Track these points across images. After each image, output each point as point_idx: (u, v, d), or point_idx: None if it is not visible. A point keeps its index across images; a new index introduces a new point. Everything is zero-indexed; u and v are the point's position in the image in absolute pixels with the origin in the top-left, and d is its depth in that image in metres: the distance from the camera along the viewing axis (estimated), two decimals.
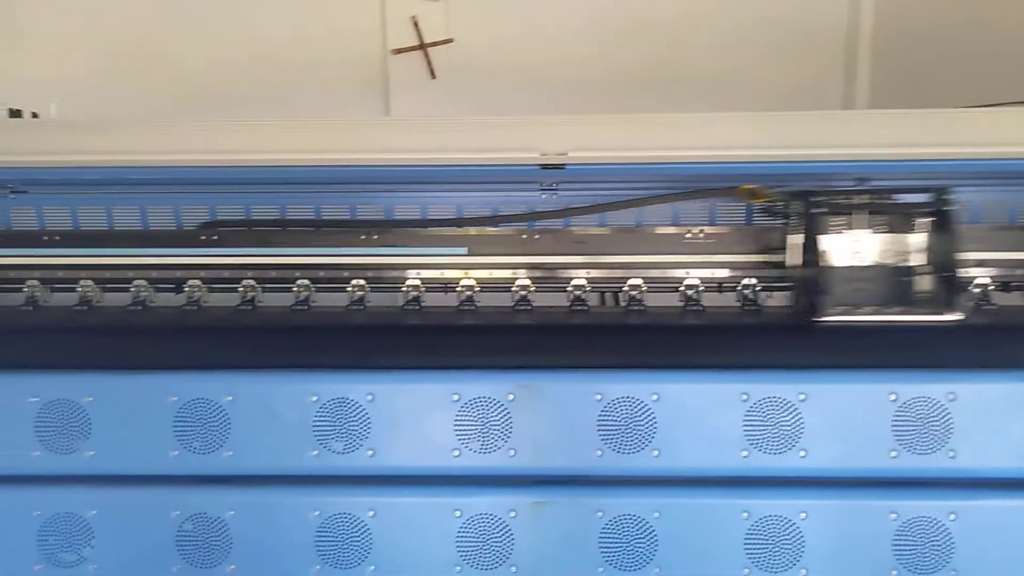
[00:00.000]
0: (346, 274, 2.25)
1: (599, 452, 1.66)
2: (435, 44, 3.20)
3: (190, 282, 2.24)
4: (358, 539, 1.70)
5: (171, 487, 1.73)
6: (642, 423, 1.65)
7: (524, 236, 2.19)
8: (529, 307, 2.16)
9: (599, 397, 1.66)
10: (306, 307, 2.19)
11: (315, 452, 1.70)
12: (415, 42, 3.18)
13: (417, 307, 2.17)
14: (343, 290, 2.24)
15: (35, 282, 2.24)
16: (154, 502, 1.73)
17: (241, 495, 1.72)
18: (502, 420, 1.68)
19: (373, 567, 1.70)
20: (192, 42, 2.87)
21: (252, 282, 2.24)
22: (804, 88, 3.46)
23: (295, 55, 3.09)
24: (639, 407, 1.65)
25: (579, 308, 2.04)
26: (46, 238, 2.25)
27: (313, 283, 2.25)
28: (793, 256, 1.89)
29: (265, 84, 3.03)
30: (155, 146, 2.04)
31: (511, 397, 1.68)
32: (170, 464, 1.72)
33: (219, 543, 1.72)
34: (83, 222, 2.46)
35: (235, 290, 2.24)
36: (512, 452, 1.68)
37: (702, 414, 1.65)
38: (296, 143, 2.06)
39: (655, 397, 1.65)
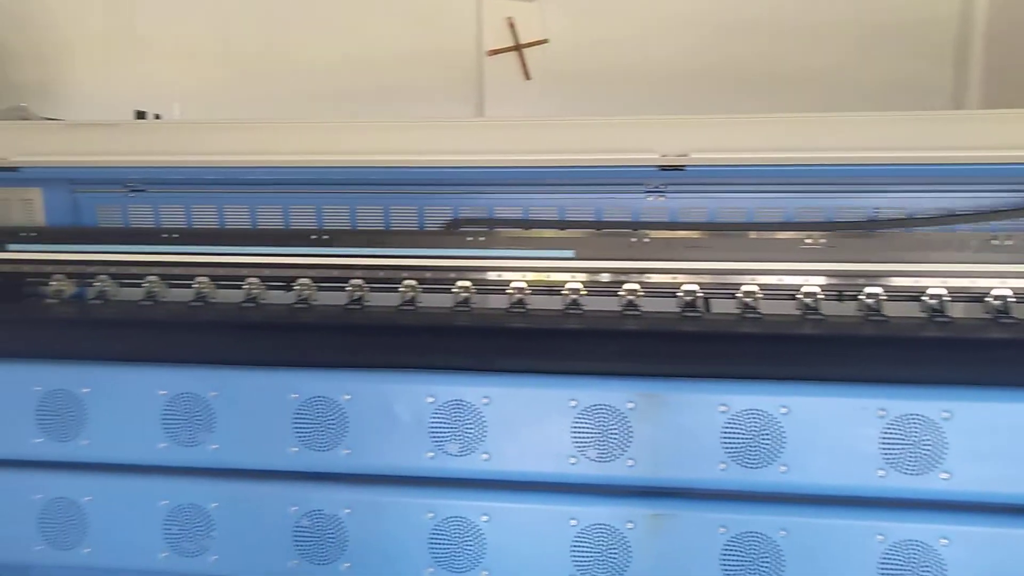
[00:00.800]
0: (452, 275, 2.26)
1: (723, 465, 1.60)
2: (530, 45, 3.18)
3: (300, 280, 2.28)
4: (472, 543, 1.69)
5: (290, 483, 1.75)
6: (769, 436, 1.59)
7: (633, 240, 2.14)
8: (638, 312, 2.12)
9: (724, 408, 1.60)
10: (412, 307, 2.20)
11: (430, 454, 1.69)
12: (510, 43, 3.17)
13: (522, 310, 2.16)
14: (447, 291, 2.25)
15: (154, 278, 2.32)
16: (273, 497, 1.75)
17: (357, 493, 1.73)
18: (621, 428, 1.64)
19: (486, 573, 1.68)
20: (299, 46, 2.94)
21: (360, 281, 2.27)
22: (909, 84, 3.29)
23: (393, 57, 3.12)
24: (767, 420, 1.58)
25: (691, 314, 1.99)
26: (164, 236, 2.32)
27: (420, 284, 2.26)
28: None
29: (364, 85, 3.07)
30: (261, 147, 2.08)
31: (631, 405, 1.63)
32: (289, 460, 1.74)
33: (335, 540, 1.73)
34: (196, 220, 2.54)
35: (343, 289, 2.27)
36: (631, 462, 1.63)
37: (834, 429, 1.57)
38: (402, 144, 2.06)
39: (784, 410, 1.58)
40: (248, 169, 2.08)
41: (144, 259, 2.31)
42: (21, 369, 1.83)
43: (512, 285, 2.19)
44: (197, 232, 2.35)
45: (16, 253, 2.35)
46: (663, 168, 1.79)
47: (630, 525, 1.64)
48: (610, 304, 2.22)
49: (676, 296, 2.07)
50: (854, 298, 1.93)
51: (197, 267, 2.29)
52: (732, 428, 1.60)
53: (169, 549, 1.78)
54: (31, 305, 2.33)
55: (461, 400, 1.68)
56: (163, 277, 2.30)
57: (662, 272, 2.15)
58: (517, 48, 3.14)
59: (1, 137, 2.04)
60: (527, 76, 3.18)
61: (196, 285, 2.28)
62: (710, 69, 3.23)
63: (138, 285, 2.31)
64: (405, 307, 2.19)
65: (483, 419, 1.68)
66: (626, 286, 2.15)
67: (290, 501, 1.74)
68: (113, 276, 2.32)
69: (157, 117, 2.24)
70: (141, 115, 2.21)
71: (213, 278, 2.28)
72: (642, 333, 1.93)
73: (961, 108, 3.30)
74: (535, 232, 2.26)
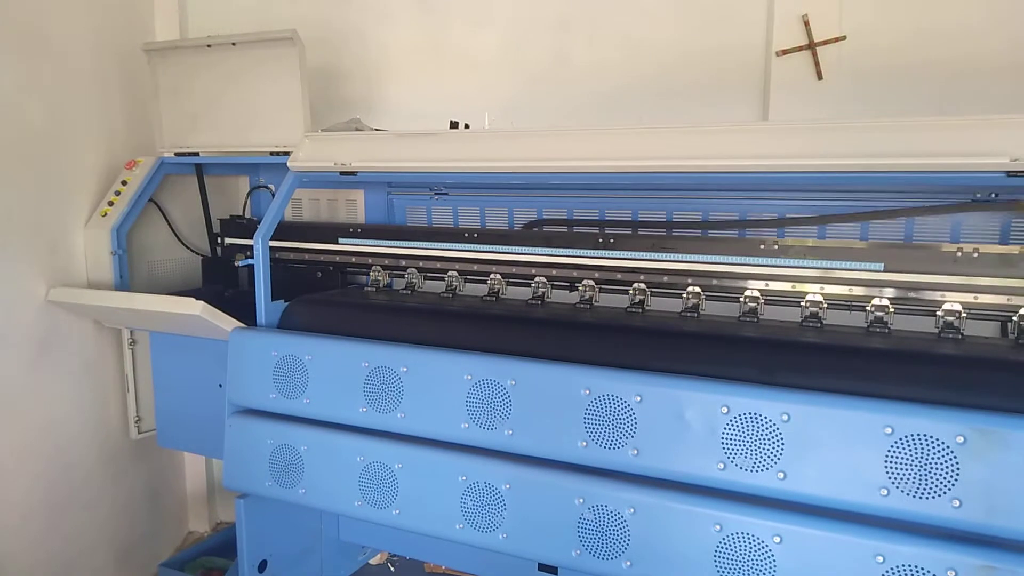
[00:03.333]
0: (739, 283, 2.19)
1: None
2: (825, 43, 2.97)
3: (584, 281, 2.36)
4: (760, 563, 1.61)
5: (578, 475, 1.82)
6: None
7: (959, 254, 1.91)
8: (959, 336, 1.89)
9: None
10: (696, 315, 2.17)
11: (721, 465, 1.65)
12: (803, 42, 2.99)
13: (818, 324, 2.03)
14: (735, 300, 2.18)
15: (454, 273, 2.55)
16: (562, 486, 1.83)
17: (644, 495, 1.74)
18: (944, 463, 1.46)
19: None
20: (584, 50, 3.05)
21: (642, 285, 2.29)
22: None
23: (679, 59, 3.10)
24: None
25: None
26: (465, 235, 2.54)
27: (704, 291, 2.22)
28: None
29: (651, 88, 3.10)
30: (551, 153, 2.14)
31: (960, 440, 1.45)
32: (578, 453, 1.80)
33: (618, 537, 1.76)
34: (489, 221, 2.75)
35: (626, 292, 2.31)
36: (956, 502, 1.45)
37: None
38: (697, 149, 2.00)
39: None
40: (539, 175, 2.18)
41: (446, 255, 2.56)
42: (348, 346, 2.10)
43: (808, 298, 2.08)
44: (489, 232, 2.54)
45: (344, 246, 2.73)
46: (1011, 174, 1.56)
47: (951, 574, 1.46)
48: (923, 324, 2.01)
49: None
50: None
51: (491, 264, 2.48)
52: None
53: (464, 522, 1.94)
54: (354, 292, 2.70)
55: (758, 414, 1.62)
56: (461, 273, 2.53)
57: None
58: (811, 47, 2.95)
59: (343, 146, 2.37)
60: (820, 76, 2.98)
61: (490, 281, 2.47)
62: None
63: (440, 279, 2.57)
64: (687, 313, 2.17)
65: (780, 436, 1.60)
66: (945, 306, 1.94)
67: (576, 493, 1.81)
68: (420, 270, 2.61)
69: (467, 126, 2.45)
70: (454, 125, 2.43)
71: (504, 276, 2.46)
72: (963, 359, 1.71)
73: None
74: (837, 242, 2.11)
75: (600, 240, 2.34)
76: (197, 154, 2.87)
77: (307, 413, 2.16)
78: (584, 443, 1.79)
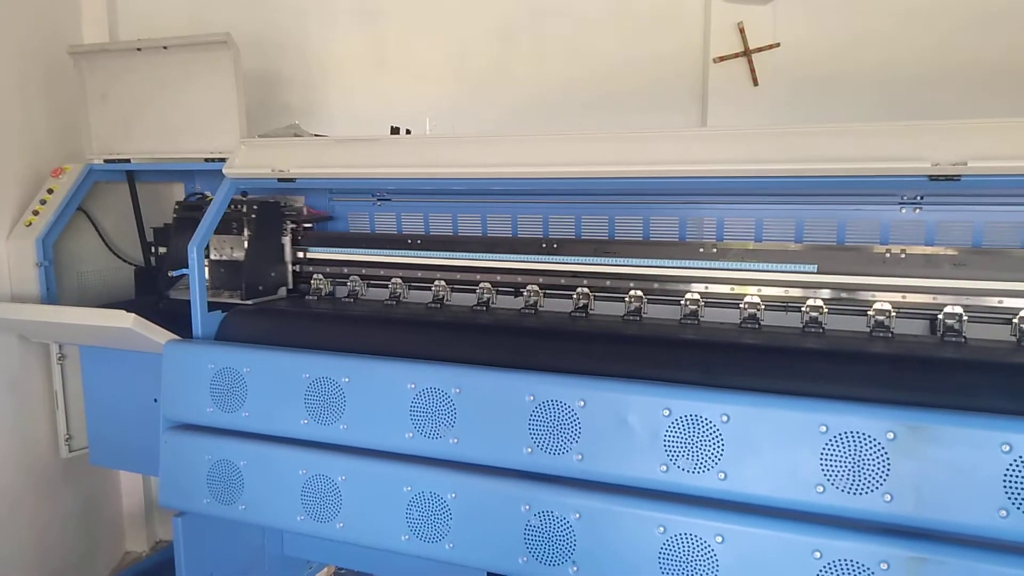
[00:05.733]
0: (680, 287, 2.22)
1: (1003, 512, 1.42)
2: (760, 50, 3.05)
3: (529, 287, 2.36)
4: (703, 564, 1.63)
5: (523, 482, 1.81)
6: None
7: (887, 255, 1.98)
8: (889, 335, 1.95)
9: (1007, 448, 1.42)
10: (638, 318, 2.19)
11: (663, 467, 1.67)
12: (739, 49, 3.06)
13: (756, 325, 2.07)
14: (676, 303, 2.21)
15: (398, 280, 2.52)
16: (507, 494, 1.82)
17: (589, 500, 1.74)
18: (878, 460, 1.51)
19: None
20: (527, 59, 3.07)
21: (585, 289, 2.30)
22: None
23: (615, 67, 3.14)
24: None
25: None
26: (409, 241, 2.52)
27: (646, 295, 2.25)
28: None
29: (587, 96, 3.13)
30: (491, 158, 2.14)
31: (890, 436, 1.50)
32: (524, 460, 1.80)
33: (563, 542, 1.76)
34: (433, 227, 2.73)
35: (570, 297, 2.32)
36: (888, 497, 1.50)
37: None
38: (631, 155, 2.03)
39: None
40: (481, 180, 2.17)
41: (389, 261, 2.53)
42: (288, 357, 2.06)
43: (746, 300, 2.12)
44: (433, 239, 2.52)
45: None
46: (933, 178, 1.62)
47: (884, 566, 1.50)
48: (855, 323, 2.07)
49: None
50: None
51: (435, 270, 2.46)
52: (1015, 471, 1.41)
53: (410, 532, 1.91)
54: (295, 301, 2.64)
55: (698, 415, 1.64)
56: (405, 280, 2.50)
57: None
58: (747, 54, 3.03)
59: (281, 153, 2.32)
60: (755, 82, 3.06)
61: (434, 288, 2.45)
62: (955, 68, 2.91)
63: (384, 286, 2.54)
64: (630, 317, 2.19)
65: (720, 438, 1.62)
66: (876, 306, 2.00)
67: (522, 500, 1.80)
68: (363, 277, 2.57)
69: (408, 132, 2.43)
70: (395, 130, 2.41)
71: (448, 282, 2.44)
72: (893, 357, 1.77)
73: None
74: (774, 244, 2.16)
75: (543, 245, 2.34)
76: (128, 161, 2.77)
77: (246, 427, 2.10)
78: (529, 449, 1.79)
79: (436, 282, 2.45)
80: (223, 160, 2.42)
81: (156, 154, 2.73)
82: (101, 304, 2.64)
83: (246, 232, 2.50)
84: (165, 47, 2.58)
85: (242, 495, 2.10)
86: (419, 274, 2.48)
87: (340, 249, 2.58)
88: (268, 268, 2.60)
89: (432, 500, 1.89)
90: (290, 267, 2.66)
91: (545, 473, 1.80)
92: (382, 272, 2.53)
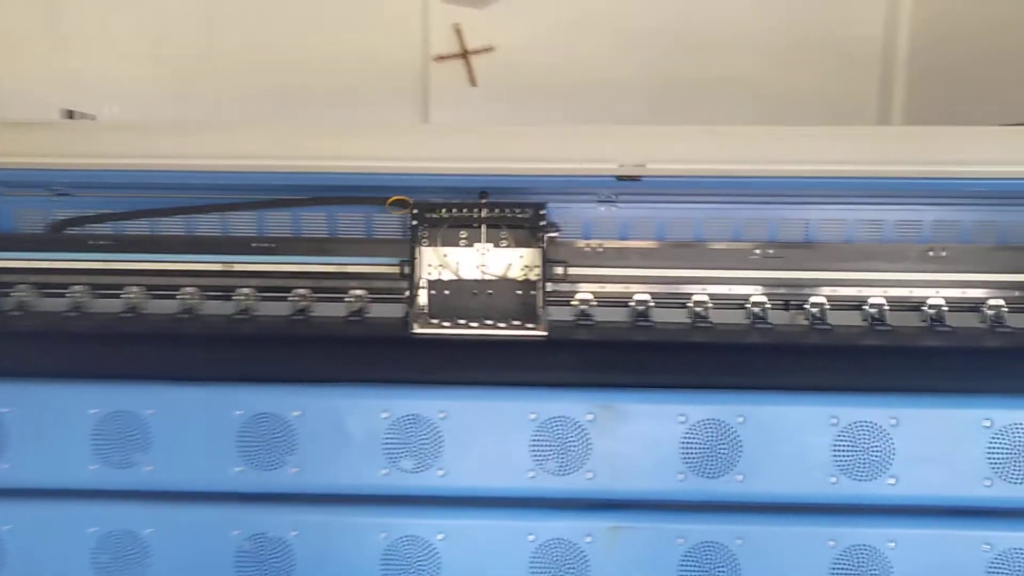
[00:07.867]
0: None
1: (681, 476, 1.60)
2: (477, 52, 3.16)
3: (241, 290, 2.18)
4: (427, 563, 1.63)
5: (232, 505, 1.66)
6: (727, 446, 1.60)
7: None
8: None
9: (683, 419, 1.60)
10: (360, 318, 2.13)
11: (384, 471, 1.63)
12: (457, 50, 3.14)
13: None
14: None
15: (80, 287, 2.17)
16: (214, 520, 1.65)
17: (306, 514, 1.65)
18: (580, 441, 1.62)
19: None
20: (238, 47, 2.83)
21: (305, 291, 2.18)
22: (838, 100, 3.43)
23: (336, 61, 3.05)
24: (724, 429, 1.60)
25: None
26: (92, 242, 2.18)
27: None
28: None
29: (305, 88, 2.99)
30: (199, 150, 1.98)
31: (590, 417, 1.62)
32: (232, 480, 1.65)
33: (280, 565, 1.65)
34: (128, 227, 2.40)
35: (286, 299, 2.18)
36: (590, 475, 1.61)
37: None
38: (347, 150, 1.99)
39: (740, 419, 1.60)
40: (184, 173, 1.97)
41: (70, 267, 2.17)
42: None
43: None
44: (129, 239, 2.22)
45: None
46: (620, 178, 1.78)
47: (588, 539, 1.62)
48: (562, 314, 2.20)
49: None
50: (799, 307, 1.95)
51: (129, 275, 2.16)
52: (690, 438, 1.60)
53: None
54: None
55: (418, 415, 1.63)
56: (91, 287, 2.16)
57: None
58: (464, 55, 3.11)
59: None
60: (474, 83, 3.16)
61: (125, 295, 2.15)
62: (652, 80, 3.29)
63: (61, 296, 2.17)
64: (352, 318, 2.12)
65: (440, 434, 1.63)
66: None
67: (232, 524, 1.65)
68: (36, 285, 2.17)
69: (91, 117, 2.11)
70: (69, 115, 2.07)
71: (148, 287, 2.16)
72: (597, 343, 1.92)
73: (886, 123, 3.45)
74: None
75: (255, 245, 2.17)
76: None
77: None
78: (240, 468, 1.64)
79: (128, 288, 2.14)
80: None
81: None
82: None
83: None
84: None
85: None
86: (108, 280, 2.16)
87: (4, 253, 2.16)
88: None
89: (125, 538, 1.66)
90: None
91: (258, 492, 1.67)
92: (57, 279, 2.15)
